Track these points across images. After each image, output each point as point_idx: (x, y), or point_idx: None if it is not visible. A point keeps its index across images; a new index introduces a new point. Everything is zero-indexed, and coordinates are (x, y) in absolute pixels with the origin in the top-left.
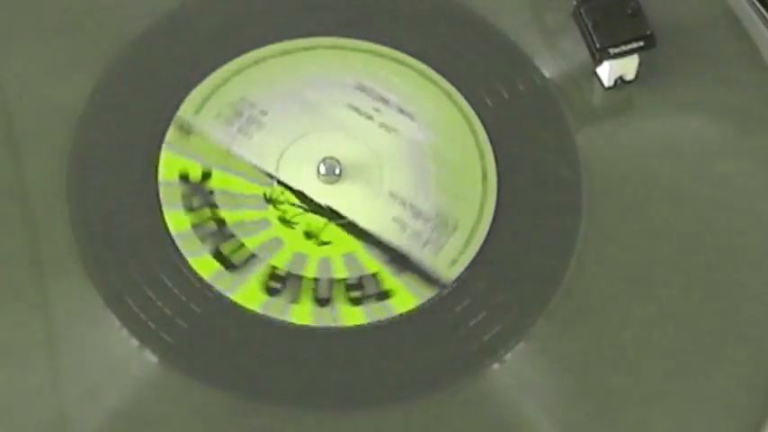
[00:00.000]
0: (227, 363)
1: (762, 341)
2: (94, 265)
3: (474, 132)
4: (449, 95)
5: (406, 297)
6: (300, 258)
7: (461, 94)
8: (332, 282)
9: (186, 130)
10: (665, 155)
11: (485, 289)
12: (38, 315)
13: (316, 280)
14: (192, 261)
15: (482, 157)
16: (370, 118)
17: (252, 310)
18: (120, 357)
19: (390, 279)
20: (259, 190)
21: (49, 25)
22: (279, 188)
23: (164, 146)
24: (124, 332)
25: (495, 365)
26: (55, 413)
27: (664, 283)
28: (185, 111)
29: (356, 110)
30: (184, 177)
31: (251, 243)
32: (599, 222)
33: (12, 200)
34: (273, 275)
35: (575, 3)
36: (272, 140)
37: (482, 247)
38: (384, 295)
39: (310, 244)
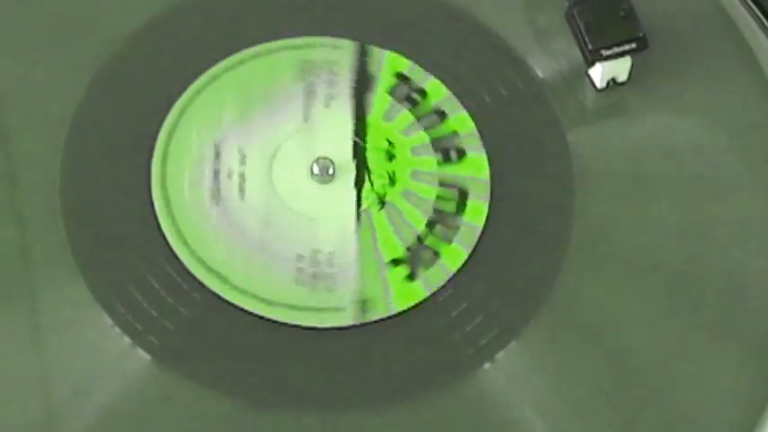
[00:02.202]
0: (219, 362)
1: (758, 340)
2: (86, 264)
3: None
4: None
5: (410, 293)
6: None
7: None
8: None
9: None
10: (657, 156)
11: (478, 289)
12: (29, 314)
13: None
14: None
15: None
16: None
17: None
18: (111, 356)
19: (399, 276)
20: None
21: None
22: None
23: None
24: (116, 331)
25: (488, 365)
26: (46, 411)
27: (656, 284)
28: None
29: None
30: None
31: None
32: (591, 223)
33: (3, 198)
34: None
35: (567, 4)
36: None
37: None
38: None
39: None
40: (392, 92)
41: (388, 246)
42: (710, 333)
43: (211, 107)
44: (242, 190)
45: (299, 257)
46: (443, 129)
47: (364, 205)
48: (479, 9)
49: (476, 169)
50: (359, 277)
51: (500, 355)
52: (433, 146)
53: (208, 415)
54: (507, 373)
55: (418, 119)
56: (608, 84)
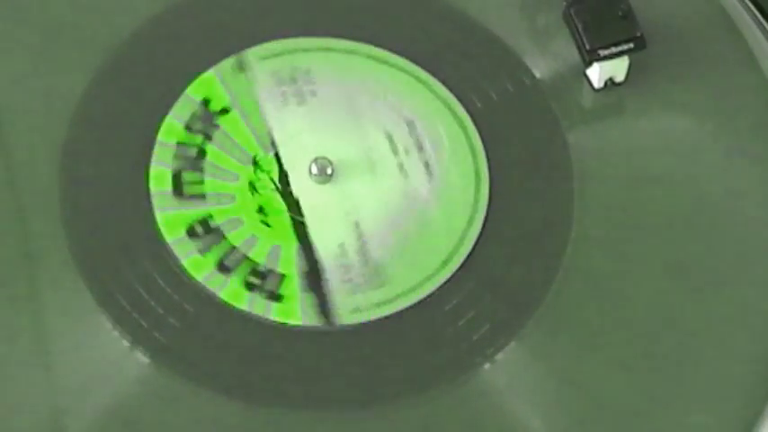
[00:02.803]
0: (219, 363)
1: (754, 340)
2: (86, 266)
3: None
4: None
5: (291, 311)
6: (239, 223)
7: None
8: (244, 258)
9: (241, 68)
10: (656, 156)
11: (477, 289)
12: (29, 315)
13: (233, 247)
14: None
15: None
16: (396, 153)
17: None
18: (111, 358)
19: (292, 288)
20: (254, 150)
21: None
22: (270, 158)
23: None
24: (116, 332)
25: (487, 366)
26: (47, 413)
27: (655, 283)
28: (254, 53)
29: (390, 138)
30: (191, 230)
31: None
32: (590, 223)
33: (3, 199)
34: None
35: (565, 4)
36: (299, 121)
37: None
38: (274, 297)
39: (256, 218)
40: None
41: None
42: (710, 334)
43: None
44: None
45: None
46: None
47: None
48: (477, 9)
49: None
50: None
51: (499, 356)
52: None
53: (207, 416)
54: (506, 374)
55: None
56: (606, 84)
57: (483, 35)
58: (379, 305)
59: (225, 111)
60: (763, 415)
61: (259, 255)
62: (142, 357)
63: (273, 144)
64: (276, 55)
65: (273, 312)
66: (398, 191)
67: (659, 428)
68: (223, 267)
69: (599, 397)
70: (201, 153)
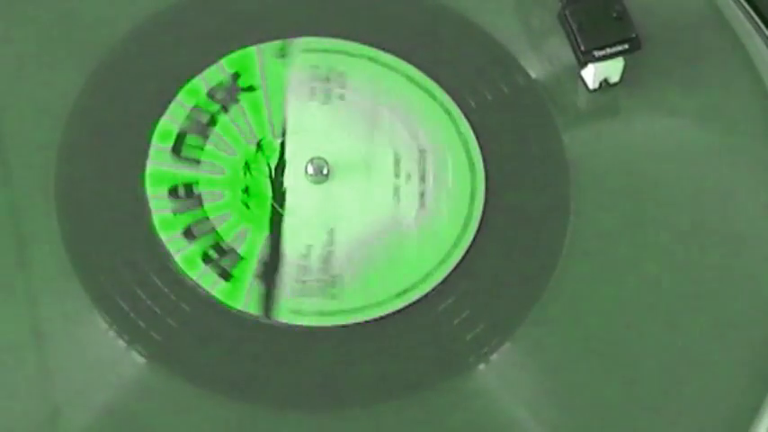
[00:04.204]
0: (215, 362)
1: (752, 341)
2: (82, 266)
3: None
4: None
5: (236, 294)
6: (220, 197)
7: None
8: (212, 230)
9: (283, 55)
10: (651, 157)
11: (472, 290)
12: (25, 315)
13: (206, 218)
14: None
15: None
16: (398, 176)
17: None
18: (107, 358)
19: (245, 272)
20: (263, 134)
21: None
22: (276, 145)
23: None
24: (112, 332)
25: (482, 366)
26: (43, 413)
27: (650, 283)
28: (300, 43)
29: (397, 161)
30: (173, 190)
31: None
32: (586, 223)
33: None
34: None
35: (560, 5)
36: (317, 118)
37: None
38: (225, 275)
39: (239, 197)
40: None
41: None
42: (707, 334)
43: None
44: None
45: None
46: None
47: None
48: (472, 10)
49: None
50: None
51: (494, 356)
52: None
53: (203, 416)
54: (501, 374)
55: None
56: (600, 84)
57: (478, 35)
58: (322, 314)
59: (251, 88)
60: (758, 416)
61: (227, 232)
62: (138, 357)
63: (284, 133)
64: (320, 51)
65: (218, 290)
66: (385, 212)
67: (654, 428)
68: (189, 233)
69: (593, 397)
70: (212, 121)
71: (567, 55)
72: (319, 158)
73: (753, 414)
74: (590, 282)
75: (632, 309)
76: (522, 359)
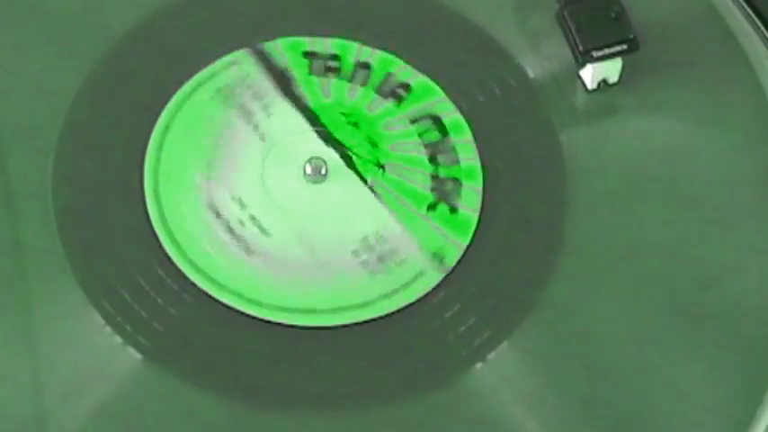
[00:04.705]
0: (210, 361)
1: (752, 341)
2: (78, 264)
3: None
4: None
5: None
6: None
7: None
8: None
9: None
10: (648, 157)
11: (470, 289)
12: (21, 313)
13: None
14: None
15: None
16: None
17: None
18: (102, 355)
19: None
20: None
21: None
22: None
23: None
24: (107, 330)
25: (479, 365)
26: (38, 410)
27: (649, 284)
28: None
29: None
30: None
31: None
32: (583, 223)
33: None
34: None
35: (558, 5)
36: None
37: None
38: None
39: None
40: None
41: (415, 197)
42: (706, 335)
43: (200, 116)
44: (263, 230)
45: (355, 253)
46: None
47: (370, 178)
48: (471, 10)
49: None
50: (414, 237)
51: (492, 355)
52: (379, 94)
53: (198, 414)
54: (499, 373)
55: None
56: (599, 85)
57: (477, 35)
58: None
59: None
60: (756, 418)
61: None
62: (134, 355)
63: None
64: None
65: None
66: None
67: (653, 428)
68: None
69: (591, 396)
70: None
71: (566, 55)
72: (316, 158)
73: (753, 414)
74: (587, 281)
75: (630, 308)
76: (520, 359)
